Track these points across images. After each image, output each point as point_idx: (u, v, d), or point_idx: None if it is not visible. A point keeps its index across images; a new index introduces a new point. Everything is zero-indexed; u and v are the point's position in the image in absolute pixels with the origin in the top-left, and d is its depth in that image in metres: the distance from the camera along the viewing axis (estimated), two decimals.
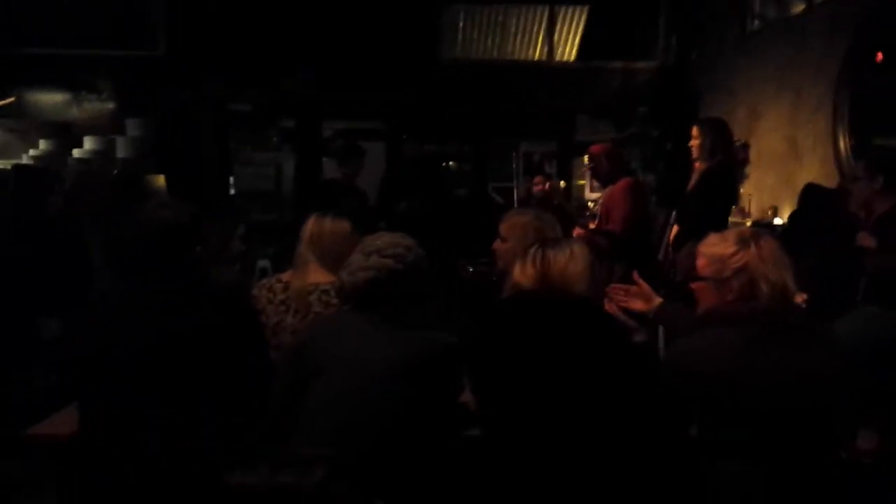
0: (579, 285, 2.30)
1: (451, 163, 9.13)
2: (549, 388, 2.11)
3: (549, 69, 8.85)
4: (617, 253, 4.76)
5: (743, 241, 2.15)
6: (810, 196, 4.93)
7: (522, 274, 2.35)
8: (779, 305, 2.11)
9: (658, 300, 2.63)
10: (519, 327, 2.23)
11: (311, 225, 3.03)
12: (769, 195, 6.47)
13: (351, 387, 2.26)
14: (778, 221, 6.01)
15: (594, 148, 5.25)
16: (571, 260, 2.32)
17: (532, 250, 2.38)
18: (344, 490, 2.17)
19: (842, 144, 5.50)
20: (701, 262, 2.24)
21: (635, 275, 2.73)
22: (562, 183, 7.51)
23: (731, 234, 2.20)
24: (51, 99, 7.96)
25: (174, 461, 2.16)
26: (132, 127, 7.90)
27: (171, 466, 2.15)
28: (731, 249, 2.14)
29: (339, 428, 2.24)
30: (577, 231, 4.99)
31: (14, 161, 6.33)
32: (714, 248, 2.20)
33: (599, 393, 2.11)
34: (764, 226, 5.91)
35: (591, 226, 5.18)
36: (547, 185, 5.67)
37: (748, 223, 6.17)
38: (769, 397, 2.01)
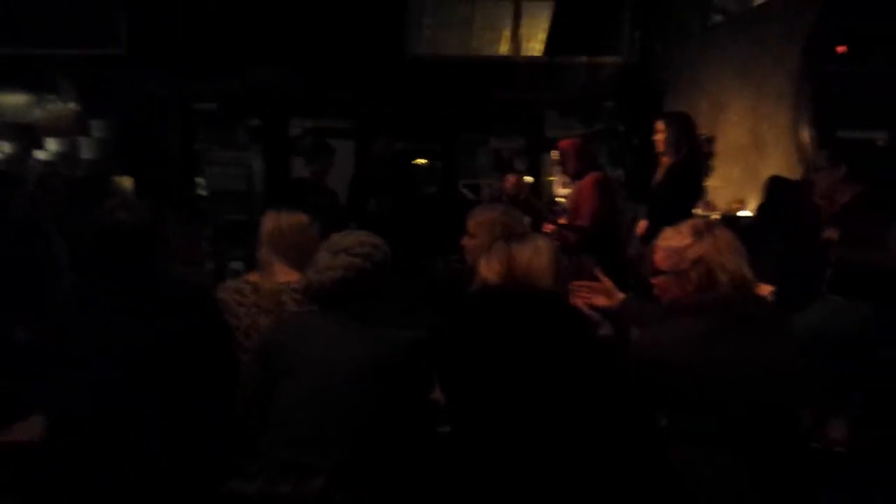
0: (545, 279, 2.32)
1: (420, 160, 9.13)
2: (515, 382, 2.11)
3: (516, 64, 8.88)
4: (586, 247, 4.80)
5: (697, 233, 2.19)
6: (775, 188, 5.00)
7: (488, 269, 2.36)
8: (739, 294, 2.14)
9: (621, 296, 2.66)
10: (484, 322, 2.23)
11: (268, 222, 3.00)
12: (735, 188, 6.54)
13: (320, 387, 2.25)
14: (744, 214, 6.08)
15: (563, 143, 5.27)
16: (536, 254, 2.34)
17: (497, 245, 2.40)
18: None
19: (804, 136, 5.57)
20: (658, 256, 2.27)
21: (597, 271, 2.77)
22: (529, 179, 7.54)
23: (685, 227, 2.23)
24: (12, 100, 7.82)
25: (142, 462, 2.15)
26: (96, 128, 7.80)
27: (139, 467, 2.14)
28: (687, 241, 2.18)
29: (310, 429, 2.23)
30: (546, 227, 5.02)
31: None
32: (670, 241, 2.24)
33: (566, 386, 2.11)
34: (730, 218, 5.97)
35: (561, 221, 5.22)
36: (513, 181, 5.70)
37: (715, 216, 6.23)
38: (732, 386, 2.04)
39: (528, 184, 6.86)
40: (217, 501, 2.17)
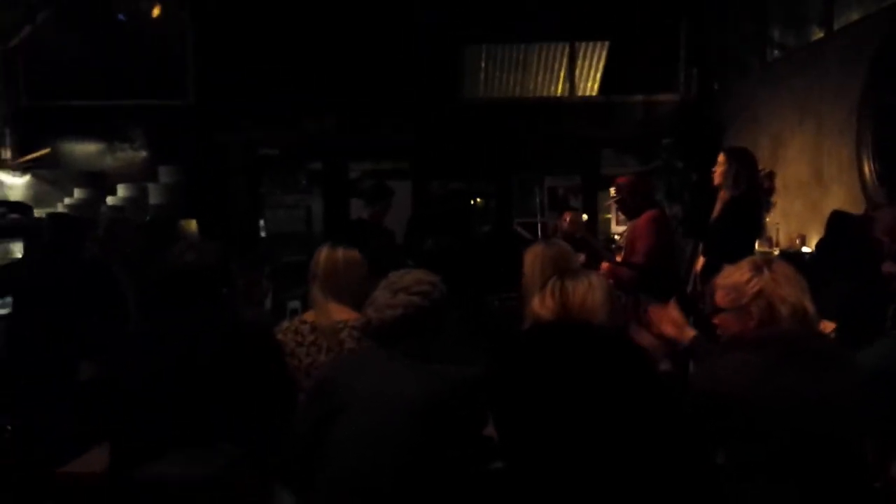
0: (599, 315, 2.32)
1: (477, 199, 9.20)
2: (570, 419, 2.12)
3: (572, 104, 8.93)
4: (643, 285, 4.76)
5: (756, 268, 2.21)
6: (837, 223, 4.88)
7: (542, 306, 2.38)
8: (800, 328, 2.14)
9: (691, 332, 2.63)
10: (539, 359, 2.25)
11: (324, 258, 3.02)
12: (796, 223, 6.43)
13: (374, 423, 2.26)
14: (806, 250, 5.96)
15: (620, 180, 5.27)
16: (590, 290, 2.35)
17: (551, 282, 2.41)
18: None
19: (866, 171, 5.45)
20: (719, 295, 2.27)
21: (672, 302, 2.74)
22: (584, 216, 7.52)
23: (744, 263, 2.26)
24: (85, 149, 8.18)
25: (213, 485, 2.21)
26: (164, 174, 8.08)
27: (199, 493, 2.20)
28: (746, 276, 2.20)
29: (363, 464, 2.24)
30: (604, 265, 5.00)
31: (50, 210, 6.49)
32: (729, 278, 2.25)
33: (622, 423, 2.11)
34: (792, 255, 5.86)
35: (617, 258, 5.19)
36: (566, 221, 5.69)
37: (776, 252, 6.12)
38: (789, 417, 2.02)
39: (584, 221, 6.84)
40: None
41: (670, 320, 2.66)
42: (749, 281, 2.18)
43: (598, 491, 2.07)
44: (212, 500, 2.24)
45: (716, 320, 2.29)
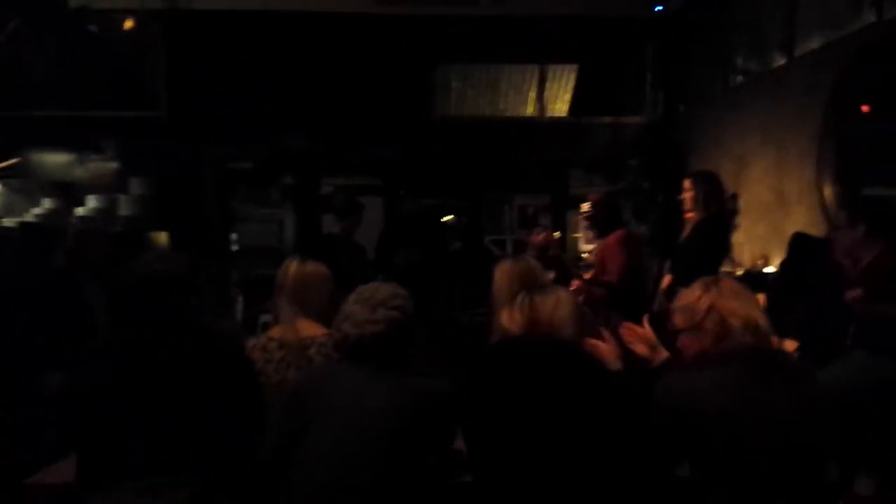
0: (566, 330, 2.37)
1: (448, 216, 9.27)
2: (538, 432, 2.16)
3: (541, 125, 9.04)
4: (613, 303, 4.84)
5: (705, 285, 2.28)
6: (798, 245, 5.01)
7: (511, 320, 2.42)
8: (755, 341, 2.19)
9: (664, 353, 2.65)
10: (506, 372, 2.29)
11: (293, 272, 3.00)
12: (759, 244, 6.56)
13: (345, 435, 2.27)
14: (769, 270, 6.08)
15: (593, 196, 5.40)
16: (558, 305, 2.40)
17: (520, 297, 2.45)
18: None
19: (826, 194, 5.60)
20: (676, 318, 2.33)
21: (645, 320, 2.78)
22: (556, 234, 7.63)
23: (695, 285, 2.33)
24: (55, 159, 8.09)
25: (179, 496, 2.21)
26: (135, 185, 8.02)
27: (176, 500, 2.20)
28: (696, 294, 2.27)
29: (333, 477, 2.24)
30: (575, 283, 5.08)
31: (18, 219, 6.43)
32: (682, 300, 2.32)
33: (589, 436, 2.16)
34: (755, 275, 5.98)
35: (587, 276, 5.27)
36: (542, 236, 5.77)
37: (739, 272, 6.24)
38: (756, 431, 2.06)
39: (556, 239, 6.93)
40: None
41: (643, 340, 2.70)
42: (699, 298, 2.25)
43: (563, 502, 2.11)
44: None
45: (678, 344, 2.35)
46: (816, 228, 5.43)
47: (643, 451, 2.19)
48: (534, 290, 2.49)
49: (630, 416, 2.24)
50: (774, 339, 2.32)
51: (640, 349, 2.68)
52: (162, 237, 6.93)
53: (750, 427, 2.05)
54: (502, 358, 2.38)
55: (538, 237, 6.61)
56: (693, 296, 2.27)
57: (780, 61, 6.62)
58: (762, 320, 2.21)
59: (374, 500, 2.24)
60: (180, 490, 2.23)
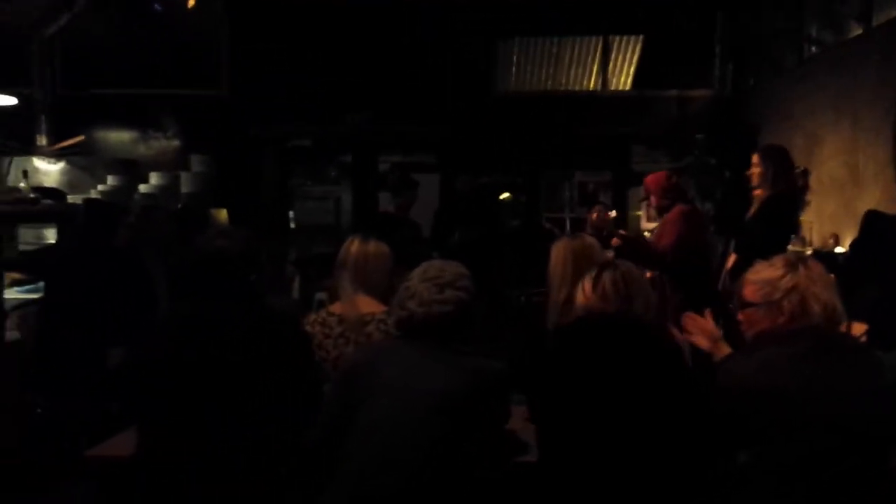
0: (637, 305, 2.37)
1: (505, 194, 9.19)
2: (609, 412, 2.17)
3: (604, 99, 8.87)
4: (674, 279, 4.72)
5: (790, 264, 2.23)
6: (871, 223, 4.80)
7: (582, 294, 2.44)
8: (828, 326, 2.16)
9: (726, 348, 2.61)
10: (584, 351, 2.29)
11: (355, 249, 3.02)
12: (830, 223, 6.35)
13: (401, 414, 2.25)
14: (839, 250, 5.88)
15: (649, 178, 5.21)
16: (626, 280, 2.40)
17: (589, 273, 2.47)
18: None
19: None
20: (749, 290, 2.27)
21: (707, 312, 2.73)
22: (612, 213, 7.47)
23: (777, 260, 2.27)
24: (119, 137, 8.28)
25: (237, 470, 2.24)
26: (196, 163, 8.16)
27: (234, 474, 2.23)
28: (780, 272, 2.21)
29: (387, 454, 2.23)
30: (614, 241, 4.94)
31: (84, 196, 6.59)
32: (762, 273, 2.26)
33: (657, 417, 2.16)
34: (825, 254, 5.78)
35: (623, 232, 5.13)
36: (595, 216, 5.64)
37: (808, 251, 6.05)
38: (815, 412, 2.03)
39: (613, 217, 6.79)
40: None
41: (705, 332, 2.67)
42: (783, 277, 2.20)
43: (632, 484, 2.11)
44: None
45: (741, 315, 2.30)
46: (891, 207, 5.20)
47: (707, 432, 2.18)
48: (604, 266, 2.49)
49: (697, 396, 2.23)
50: (843, 324, 2.26)
51: (702, 342, 2.65)
52: (222, 214, 7.02)
53: (809, 406, 2.03)
54: (579, 336, 2.37)
55: (592, 216, 6.48)
56: (776, 272, 2.22)
57: (857, 31, 6.37)
58: (840, 306, 2.18)
59: (427, 478, 2.22)
60: (236, 466, 2.26)
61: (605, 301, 2.38)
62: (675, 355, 2.35)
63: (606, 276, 2.41)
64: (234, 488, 2.28)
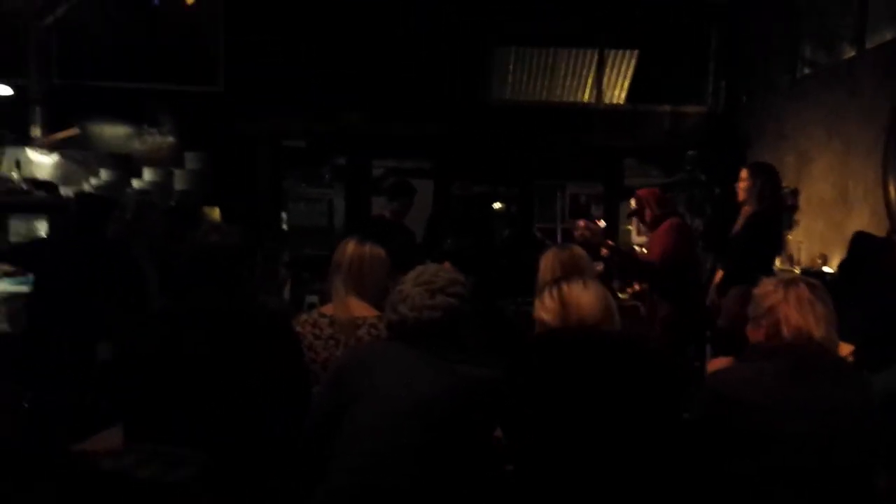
0: (596, 316, 2.33)
1: (498, 203, 9.21)
2: (577, 423, 2.16)
3: (598, 111, 8.91)
4: (655, 286, 4.74)
5: (777, 284, 2.27)
6: (859, 245, 4.85)
7: (543, 309, 2.40)
8: (812, 346, 2.17)
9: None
10: (549, 364, 2.27)
11: (350, 252, 3.02)
12: (819, 243, 6.39)
13: (389, 418, 2.26)
14: (827, 270, 5.92)
15: (641, 192, 5.24)
16: (585, 291, 2.36)
17: (548, 286, 2.44)
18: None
19: (892, 193, 5.42)
20: (749, 307, 2.35)
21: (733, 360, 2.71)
22: (601, 223, 7.48)
23: (773, 278, 2.34)
24: (113, 131, 8.25)
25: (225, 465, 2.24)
26: (190, 160, 8.12)
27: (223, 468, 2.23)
28: (768, 289, 2.27)
29: (374, 457, 2.24)
30: (604, 251, 4.97)
31: (76, 189, 6.56)
32: (758, 289, 2.33)
33: (631, 426, 2.16)
34: (813, 274, 5.82)
35: (610, 243, 5.16)
36: (578, 232, 5.61)
37: (797, 271, 6.09)
38: (800, 427, 2.05)
39: (601, 229, 6.82)
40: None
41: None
42: (766, 296, 2.26)
43: (606, 494, 2.09)
44: None
45: (746, 330, 2.35)
46: (879, 229, 5.26)
47: (686, 442, 2.19)
48: (561, 278, 2.47)
49: (673, 400, 2.25)
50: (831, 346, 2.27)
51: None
52: (215, 213, 7.01)
53: (788, 422, 2.05)
54: (539, 352, 2.35)
55: (576, 233, 6.46)
56: (764, 290, 2.29)
57: (850, 53, 6.41)
58: (819, 333, 2.17)
59: (414, 482, 2.23)
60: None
61: (564, 313, 2.34)
62: (648, 363, 2.31)
63: (564, 286, 2.39)
64: (223, 483, 2.28)
